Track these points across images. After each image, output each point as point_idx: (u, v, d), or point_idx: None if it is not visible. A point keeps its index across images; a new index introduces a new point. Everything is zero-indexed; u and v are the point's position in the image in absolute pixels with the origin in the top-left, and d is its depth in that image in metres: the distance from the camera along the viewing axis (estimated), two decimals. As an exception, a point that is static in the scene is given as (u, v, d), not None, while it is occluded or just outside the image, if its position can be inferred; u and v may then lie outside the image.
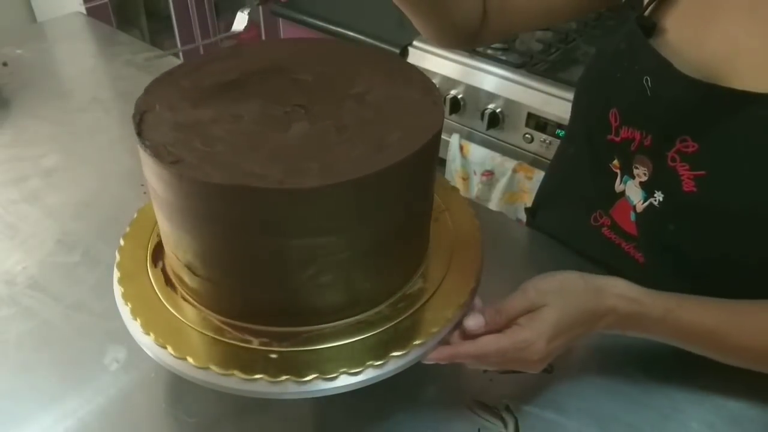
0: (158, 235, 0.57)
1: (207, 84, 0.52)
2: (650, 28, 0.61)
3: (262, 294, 0.49)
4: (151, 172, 0.46)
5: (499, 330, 0.52)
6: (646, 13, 0.62)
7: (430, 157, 0.50)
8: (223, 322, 0.51)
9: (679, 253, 0.61)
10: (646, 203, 0.61)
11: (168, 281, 0.55)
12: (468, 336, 0.53)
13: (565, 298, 0.53)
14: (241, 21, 0.60)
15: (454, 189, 0.66)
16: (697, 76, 0.54)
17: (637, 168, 0.61)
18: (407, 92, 0.52)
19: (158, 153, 0.44)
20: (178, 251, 0.51)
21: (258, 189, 0.42)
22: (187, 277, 0.52)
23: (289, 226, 0.44)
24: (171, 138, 0.46)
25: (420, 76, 0.54)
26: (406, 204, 0.49)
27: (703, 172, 0.55)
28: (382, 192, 0.46)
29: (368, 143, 0.46)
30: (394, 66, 0.56)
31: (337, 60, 0.56)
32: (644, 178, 0.61)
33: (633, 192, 0.63)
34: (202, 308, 0.53)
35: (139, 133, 0.46)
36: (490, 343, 0.52)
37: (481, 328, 0.52)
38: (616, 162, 0.64)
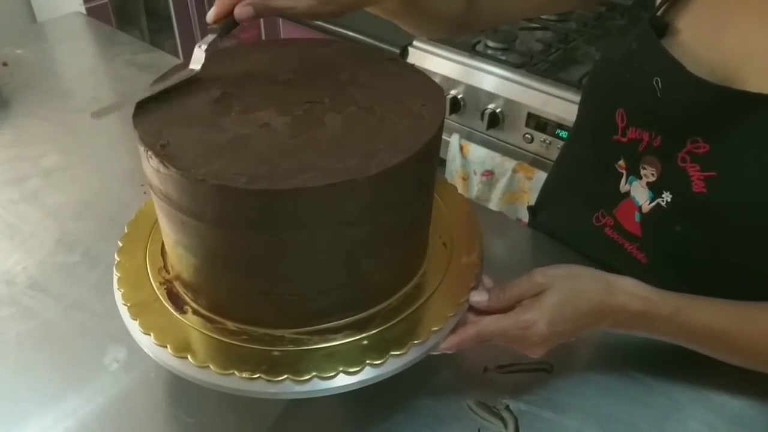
0: (158, 235, 0.57)
1: (201, 98, 0.51)
2: (662, 28, 0.60)
3: (262, 294, 0.49)
4: (169, 182, 0.45)
5: (502, 310, 0.53)
6: (659, 13, 0.62)
7: (435, 146, 0.50)
8: (240, 328, 0.51)
9: (684, 255, 0.61)
10: (653, 204, 0.61)
11: (168, 281, 0.55)
12: (474, 311, 0.54)
13: (570, 283, 0.53)
14: (197, 59, 0.52)
15: (454, 188, 0.66)
16: (710, 78, 0.54)
17: (644, 168, 0.61)
18: (389, 69, 0.53)
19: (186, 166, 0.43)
20: (178, 251, 0.51)
21: (267, 190, 0.42)
22: (187, 277, 0.52)
23: (316, 223, 0.44)
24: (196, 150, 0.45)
25: (385, 53, 0.55)
26: (409, 202, 0.49)
27: (713, 173, 0.55)
28: (392, 187, 0.46)
29: (401, 118, 0.48)
30: (359, 50, 0.57)
31: (307, 57, 0.57)
32: (652, 179, 0.61)
33: (639, 192, 0.63)
34: (202, 308, 0.53)
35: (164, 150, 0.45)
36: (491, 323, 0.52)
37: (484, 302, 0.53)
38: (622, 162, 0.64)
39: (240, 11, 0.50)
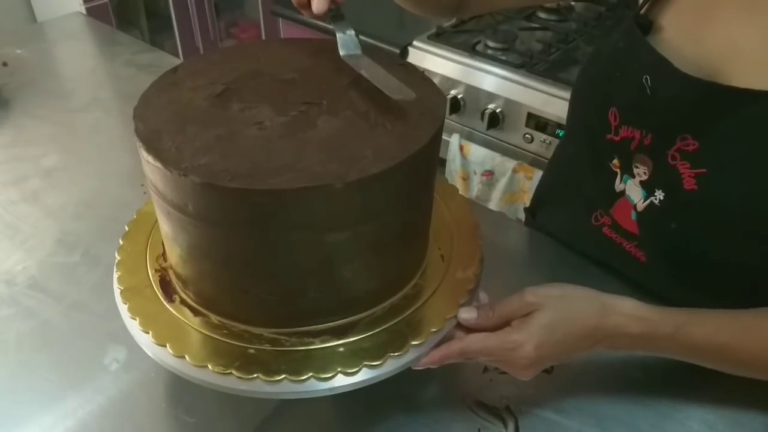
0: (158, 235, 0.57)
1: (203, 93, 0.51)
2: (647, 26, 0.60)
3: (242, 290, 0.49)
4: (156, 174, 0.45)
5: (491, 328, 0.52)
6: (642, 11, 0.62)
7: (427, 157, 0.49)
8: (222, 322, 0.51)
9: (681, 252, 0.61)
10: (647, 202, 0.61)
11: (168, 281, 0.55)
12: (462, 327, 0.53)
13: (563, 304, 0.52)
14: (352, 42, 0.53)
15: (454, 188, 0.66)
16: (696, 74, 0.54)
17: (637, 167, 0.61)
18: (396, 74, 0.52)
19: (172, 160, 0.43)
20: (167, 241, 0.51)
21: (271, 191, 0.42)
22: (186, 277, 0.52)
23: (293, 225, 0.44)
24: (187, 145, 0.45)
25: (395, 57, 0.55)
26: (395, 212, 0.48)
27: (703, 170, 0.55)
28: (373, 196, 0.45)
29: (394, 126, 0.47)
30: (370, 53, 0.56)
31: (316, 57, 0.56)
32: (644, 177, 0.61)
33: (633, 191, 0.63)
34: (190, 299, 0.53)
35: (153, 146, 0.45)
36: (476, 341, 0.51)
37: (473, 320, 0.52)
38: (616, 161, 0.64)
39: None
